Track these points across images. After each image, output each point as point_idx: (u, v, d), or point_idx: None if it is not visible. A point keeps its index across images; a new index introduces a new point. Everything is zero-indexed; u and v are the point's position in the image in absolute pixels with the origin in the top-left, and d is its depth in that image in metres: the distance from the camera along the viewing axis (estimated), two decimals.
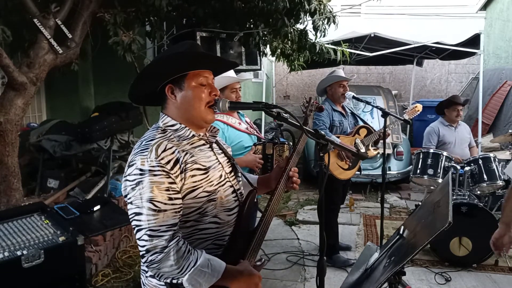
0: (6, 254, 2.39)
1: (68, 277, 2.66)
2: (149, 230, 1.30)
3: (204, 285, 1.33)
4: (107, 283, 3.31)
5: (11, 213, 2.80)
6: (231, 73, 2.92)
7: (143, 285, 1.52)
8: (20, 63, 3.16)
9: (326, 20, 4.25)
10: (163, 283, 1.40)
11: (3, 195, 3.15)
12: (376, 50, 6.93)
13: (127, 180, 1.37)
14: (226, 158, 1.60)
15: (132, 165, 1.36)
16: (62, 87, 5.00)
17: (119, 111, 4.18)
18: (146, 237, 1.31)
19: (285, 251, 4.15)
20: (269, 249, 4.17)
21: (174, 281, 1.35)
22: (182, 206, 1.38)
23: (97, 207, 3.21)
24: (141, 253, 1.34)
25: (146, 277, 1.49)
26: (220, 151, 1.58)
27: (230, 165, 1.59)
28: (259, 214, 1.64)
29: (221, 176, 1.50)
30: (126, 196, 1.38)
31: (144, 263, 1.35)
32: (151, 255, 1.30)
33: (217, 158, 1.53)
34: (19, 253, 2.41)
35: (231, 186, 1.54)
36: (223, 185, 1.50)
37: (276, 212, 1.66)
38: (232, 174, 1.59)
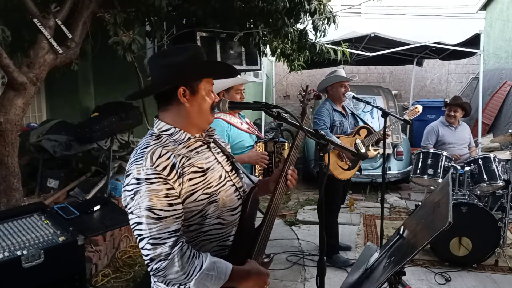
0: (6, 254, 2.39)
1: (68, 277, 2.66)
2: (151, 238, 1.29)
3: None
4: (107, 283, 3.31)
5: (11, 213, 2.80)
6: None
7: None
8: (20, 63, 3.15)
9: (326, 20, 4.26)
10: None
11: (3, 195, 3.14)
12: (376, 50, 6.93)
13: (125, 190, 1.35)
14: (225, 156, 1.58)
15: (129, 175, 1.35)
16: (62, 87, 4.99)
17: (119, 111, 4.18)
18: (149, 246, 1.30)
19: (285, 251, 4.15)
20: (269, 249, 4.12)
21: (182, 287, 1.36)
22: (183, 211, 1.36)
23: (97, 207, 3.21)
24: (145, 262, 1.33)
25: (155, 281, 1.46)
26: (218, 150, 1.56)
27: (229, 163, 1.57)
28: (259, 214, 1.63)
29: (221, 176, 1.48)
30: (126, 206, 1.36)
31: (149, 272, 1.34)
32: (155, 264, 1.29)
33: (216, 158, 1.51)
34: (19, 253, 2.40)
35: (233, 184, 1.52)
36: (224, 185, 1.48)
37: (279, 209, 1.66)
38: (233, 172, 1.57)
